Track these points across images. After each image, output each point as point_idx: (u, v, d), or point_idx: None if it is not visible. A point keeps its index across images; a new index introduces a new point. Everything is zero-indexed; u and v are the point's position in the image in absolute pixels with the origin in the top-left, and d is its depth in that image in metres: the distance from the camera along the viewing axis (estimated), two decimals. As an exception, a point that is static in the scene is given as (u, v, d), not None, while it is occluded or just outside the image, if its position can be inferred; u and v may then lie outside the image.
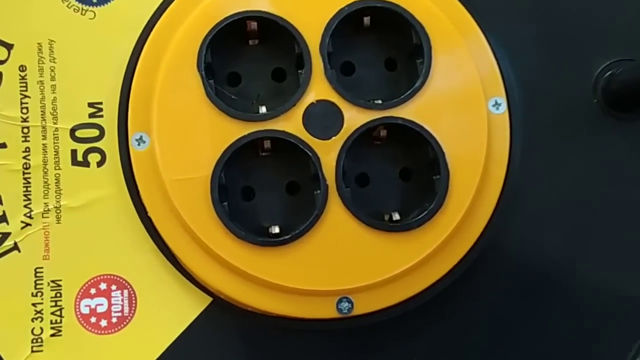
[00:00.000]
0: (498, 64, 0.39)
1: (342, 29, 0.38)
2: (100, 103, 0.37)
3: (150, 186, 0.37)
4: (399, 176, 0.39)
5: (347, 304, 0.36)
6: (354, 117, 0.37)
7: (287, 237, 0.36)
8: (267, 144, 0.37)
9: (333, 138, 0.37)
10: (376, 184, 0.39)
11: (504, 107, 0.38)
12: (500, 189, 0.38)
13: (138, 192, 0.37)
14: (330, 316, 0.36)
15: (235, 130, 0.37)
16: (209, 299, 0.37)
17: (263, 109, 0.38)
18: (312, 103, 0.37)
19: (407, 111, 0.37)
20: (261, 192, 0.38)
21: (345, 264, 0.36)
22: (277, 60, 0.39)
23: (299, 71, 0.38)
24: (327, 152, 0.37)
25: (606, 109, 0.40)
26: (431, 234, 0.37)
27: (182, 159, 0.36)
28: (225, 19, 0.37)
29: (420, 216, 0.37)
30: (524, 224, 0.39)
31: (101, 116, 0.37)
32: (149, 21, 0.38)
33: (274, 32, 0.38)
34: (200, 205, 0.36)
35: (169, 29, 0.38)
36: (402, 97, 0.38)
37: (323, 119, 0.37)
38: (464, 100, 0.38)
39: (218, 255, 0.36)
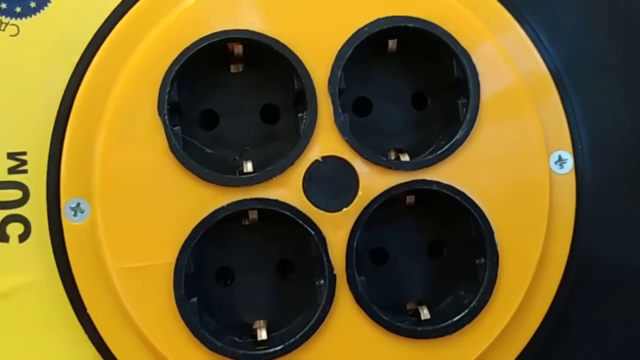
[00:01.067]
0: (563, 105, 0.30)
1: (358, 55, 0.28)
2: (24, 153, 0.29)
3: (90, 273, 0.28)
4: (428, 251, 0.31)
5: None
6: (373, 181, 0.29)
7: (278, 348, 0.27)
8: (253, 214, 0.28)
9: (344, 210, 0.28)
10: (397, 261, 0.31)
11: (570, 164, 0.31)
12: (561, 275, 0.30)
13: (73, 279, 0.28)
14: None
15: (210, 199, 0.27)
16: None
17: (249, 167, 0.28)
18: (317, 161, 0.28)
19: (445, 173, 0.29)
20: (243, 274, 0.30)
21: None
22: (268, 94, 0.30)
23: (299, 115, 0.28)
24: (336, 229, 0.29)
25: None
26: (471, 340, 0.29)
27: (134, 239, 0.27)
28: (199, 41, 0.27)
29: (458, 317, 0.29)
30: (590, 319, 0.31)
31: (25, 171, 0.29)
32: (92, 40, 0.29)
33: (266, 57, 0.28)
34: (159, 303, 0.27)
35: (120, 51, 0.28)
36: (439, 152, 0.28)
37: (331, 183, 0.28)
38: (520, 158, 0.30)
39: None
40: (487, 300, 0.29)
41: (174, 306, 0.27)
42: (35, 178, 0.28)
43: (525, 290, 0.29)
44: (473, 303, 0.29)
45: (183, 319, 0.27)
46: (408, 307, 0.30)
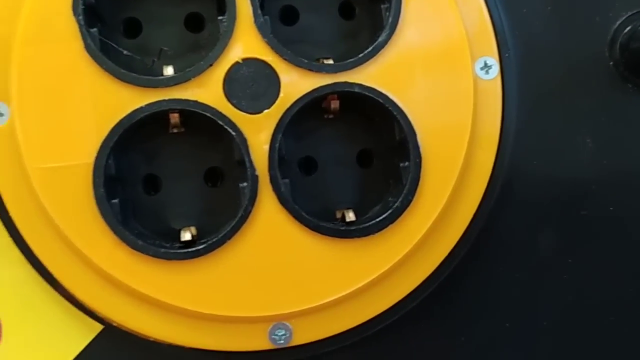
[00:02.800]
0: (489, 12, 0.30)
1: (280, -40, 0.28)
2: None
3: (10, 175, 0.27)
4: (356, 161, 0.31)
5: (283, 332, 0.29)
6: (295, 83, 0.29)
7: (202, 246, 0.27)
8: (175, 119, 0.28)
9: (265, 111, 0.28)
10: (325, 170, 0.31)
11: (495, 70, 0.31)
12: (488, 179, 0.31)
13: None
14: (261, 347, 0.29)
15: (128, 100, 0.27)
16: (99, 327, 0.29)
17: (169, 70, 0.28)
18: (237, 62, 0.28)
19: (367, 75, 0.29)
20: (170, 181, 0.30)
21: (281, 280, 0.28)
22: (193, 2, 0.29)
23: (219, 17, 0.28)
24: (257, 131, 0.28)
25: (625, 73, 0.32)
26: (395, 241, 0.29)
27: (53, 139, 0.27)
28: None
29: (381, 217, 0.29)
30: (515, 224, 0.31)
31: None
32: None
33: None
34: (79, 203, 0.27)
35: None
36: (361, 55, 0.28)
37: (252, 85, 0.28)
38: (444, 61, 0.30)
39: (107, 272, 0.27)
40: (410, 201, 0.29)
41: (95, 206, 0.27)
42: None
43: (449, 193, 0.29)
44: (396, 204, 0.29)
45: (103, 217, 0.26)
46: (337, 215, 0.30)
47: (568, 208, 0.32)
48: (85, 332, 0.29)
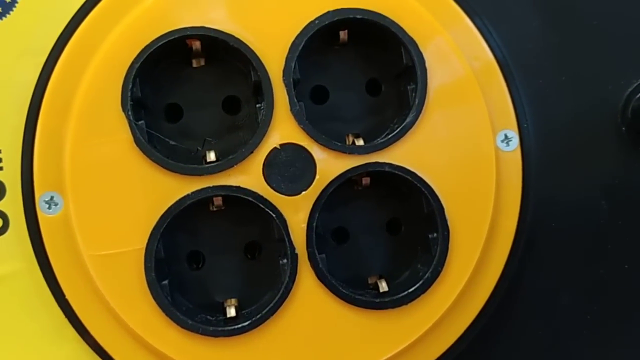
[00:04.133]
0: (508, 86, 0.32)
1: (311, 46, 0.30)
2: (-1, 151, 0.30)
3: (67, 261, 0.29)
4: (386, 228, 0.32)
5: None
6: (330, 165, 0.30)
7: (247, 323, 0.29)
8: (218, 201, 0.29)
9: (303, 193, 0.30)
10: (358, 239, 0.32)
11: (515, 142, 0.32)
12: (511, 244, 0.32)
13: (51, 268, 0.29)
14: None
15: (175, 188, 0.29)
16: None
17: (211, 156, 0.29)
18: (275, 148, 0.29)
19: (397, 155, 0.30)
20: (213, 257, 0.31)
21: (319, 355, 0.29)
22: (229, 86, 0.31)
23: (257, 105, 0.30)
24: (296, 212, 0.30)
25: (637, 138, 0.33)
26: (426, 310, 0.30)
27: (106, 228, 0.29)
28: (159, 38, 0.28)
29: (413, 288, 0.30)
30: (539, 287, 0.33)
31: (0, 168, 0.30)
32: (57, 41, 0.30)
33: (225, 51, 0.30)
34: (132, 286, 0.29)
35: (84, 51, 0.29)
36: (390, 136, 0.30)
37: (290, 169, 0.30)
38: (467, 138, 0.31)
39: (159, 350, 0.29)
40: (439, 272, 0.30)
41: (147, 289, 0.28)
42: (11, 174, 0.29)
43: (476, 261, 0.30)
44: (427, 274, 0.30)
45: (155, 300, 0.28)
46: (370, 281, 0.31)
47: (586, 267, 0.33)
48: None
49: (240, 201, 0.30)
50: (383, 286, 0.31)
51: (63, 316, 0.29)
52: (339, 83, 0.32)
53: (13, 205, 0.29)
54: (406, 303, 0.30)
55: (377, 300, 0.30)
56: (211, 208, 0.30)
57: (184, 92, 0.31)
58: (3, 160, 0.29)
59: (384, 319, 0.30)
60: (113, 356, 0.29)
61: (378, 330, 0.30)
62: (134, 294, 0.28)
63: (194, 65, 0.31)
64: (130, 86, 0.28)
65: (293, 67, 0.29)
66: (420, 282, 0.30)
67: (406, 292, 0.30)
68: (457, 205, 0.30)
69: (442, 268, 0.30)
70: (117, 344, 0.29)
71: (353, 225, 0.32)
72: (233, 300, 0.30)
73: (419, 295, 0.30)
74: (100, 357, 0.29)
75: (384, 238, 0.32)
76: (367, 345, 0.30)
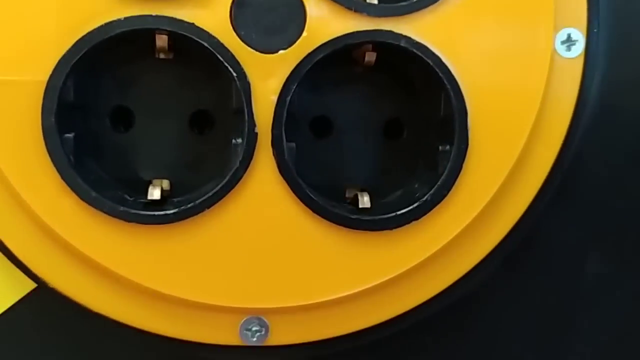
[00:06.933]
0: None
1: None
2: None
3: None
4: (383, 130, 0.26)
5: (257, 328, 0.24)
6: (325, 21, 0.23)
7: (173, 211, 0.22)
8: (162, 42, 0.22)
9: (281, 52, 0.23)
10: (342, 136, 0.26)
11: (580, 47, 0.25)
12: (542, 183, 0.25)
13: None
14: (229, 342, 0.24)
15: (103, 9, 0.22)
16: (32, 285, 0.24)
17: (163, -24, 0.22)
18: None
19: (419, 26, 0.23)
20: (146, 119, 0.25)
21: (265, 267, 0.23)
22: None
23: None
24: (266, 76, 0.23)
25: None
26: (416, 242, 0.24)
27: (4, 46, 0.22)
28: None
29: (404, 210, 0.23)
30: (563, 246, 0.26)
31: None
32: None
33: None
34: (23, 133, 0.22)
35: None
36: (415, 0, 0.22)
37: (269, 15, 0.23)
38: (519, 24, 0.24)
39: (46, 223, 0.22)
40: (443, 196, 0.24)
41: (42, 140, 0.21)
42: None
43: (493, 192, 0.24)
44: (426, 197, 0.23)
45: (50, 155, 0.21)
46: (348, 193, 0.25)
47: (625, 229, 0.26)
48: (16, 288, 0.24)
49: (194, 51, 0.22)
50: (364, 201, 0.24)
51: None
52: None
53: None
54: (391, 227, 0.24)
55: (353, 216, 0.23)
56: (157, 54, 0.23)
57: None
58: None
59: (359, 242, 0.24)
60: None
61: (347, 254, 0.24)
62: (23, 143, 0.21)
63: None
64: None
65: None
66: (415, 205, 0.24)
67: (393, 214, 0.24)
68: (485, 114, 0.24)
69: (447, 192, 0.24)
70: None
71: (341, 117, 0.25)
72: (164, 182, 0.24)
73: (410, 221, 0.24)
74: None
75: (377, 141, 0.26)
76: (328, 272, 0.23)
